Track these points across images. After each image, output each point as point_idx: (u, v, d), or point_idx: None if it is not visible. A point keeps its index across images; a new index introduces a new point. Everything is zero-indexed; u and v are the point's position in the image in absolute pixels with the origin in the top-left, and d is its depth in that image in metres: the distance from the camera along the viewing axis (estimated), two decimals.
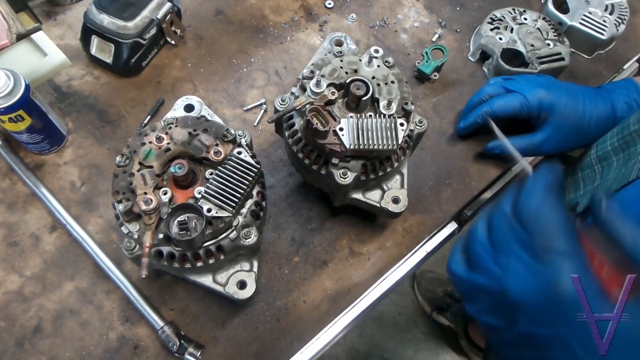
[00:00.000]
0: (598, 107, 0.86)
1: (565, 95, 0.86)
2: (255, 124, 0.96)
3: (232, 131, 0.66)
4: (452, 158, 0.97)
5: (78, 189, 0.87)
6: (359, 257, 0.87)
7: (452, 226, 0.94)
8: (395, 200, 0.77)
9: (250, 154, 0.67)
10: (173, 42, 1.00)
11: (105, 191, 0.87)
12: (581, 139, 0.88)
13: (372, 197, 0.79)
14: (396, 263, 0.87)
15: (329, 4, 1.10)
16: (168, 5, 0.96)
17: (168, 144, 0.64)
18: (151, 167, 0.62)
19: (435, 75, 1.01)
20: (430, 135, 0.99)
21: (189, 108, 0.75)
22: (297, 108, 0.71)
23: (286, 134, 0.75)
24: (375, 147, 0.67)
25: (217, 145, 0.64)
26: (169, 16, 0.96)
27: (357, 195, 0.78)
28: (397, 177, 0.80)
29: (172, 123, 0.65)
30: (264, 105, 0.97)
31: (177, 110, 0.74)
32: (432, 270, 2.00)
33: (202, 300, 0.81)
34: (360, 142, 0.67)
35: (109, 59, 0.94)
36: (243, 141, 0.69)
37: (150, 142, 0.63)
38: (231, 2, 1.08)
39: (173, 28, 0.99)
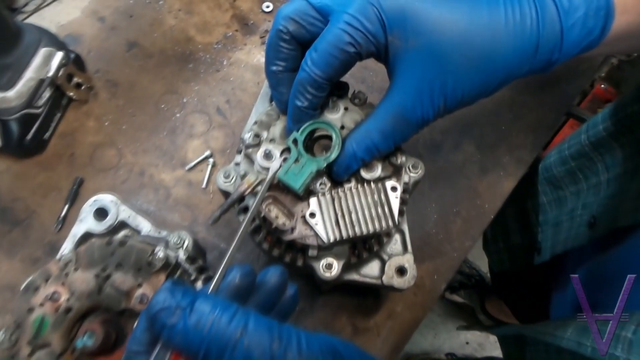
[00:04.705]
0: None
1: None
2: (203, 186, 0.75)
3: (161, 253, 0.46)
4: (454, 177, 0.78)
5: None
6: (366, 333, 0.69)
7: None
8: (401, 271, 0.59)
9: (194, 267, 0.48)
10: (79, 99, 0.78)
11: None
12: (485, 73, 0.45)
13: (370, 272, 0.60)
14: (413, 331, 0.70)
15: (267, 6, 0.88)
16: (59, 55, 0.73)
17: (68, 300, 0.44)
18: (48, 345, 0.42)
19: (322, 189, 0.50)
20: (421, 152, 0.79)
21: (100, 213, 0.54)
22: (246, 193, 0.51)
23: (241, 219, 0.55)
24: (364, 232, 0.49)
25: (139, 285, 0.44)
26: (63, 69, 0.74)
27: (351, 277, 0.59)
28: (397, 237, 0.61)
29: (70, 262, 0.45)
30: (211, 159, 0.77)
31: (84, 221, 0.54)
32: None
33: None
34: (342, 231, 0.48)
35: None
36: (181, 253, 0.50)
37: (41, 305, 0.43)
38: (145, 29, 0.85)
39: (76, 80, 0.77)
